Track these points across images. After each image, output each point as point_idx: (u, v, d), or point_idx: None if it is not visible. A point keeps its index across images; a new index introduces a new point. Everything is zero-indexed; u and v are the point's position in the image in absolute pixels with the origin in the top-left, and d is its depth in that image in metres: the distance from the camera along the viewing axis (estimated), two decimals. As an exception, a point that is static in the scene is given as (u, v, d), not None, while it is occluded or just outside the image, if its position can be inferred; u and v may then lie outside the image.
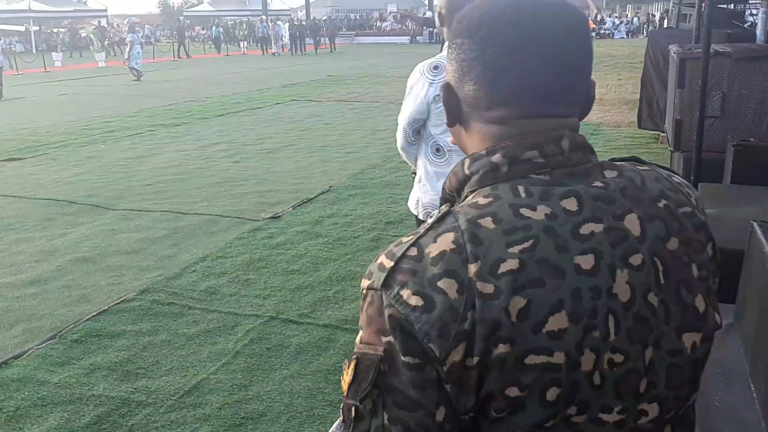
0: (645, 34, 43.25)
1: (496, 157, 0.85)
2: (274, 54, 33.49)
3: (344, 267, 4.74)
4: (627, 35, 43.54)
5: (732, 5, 9.20)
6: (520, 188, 0.82)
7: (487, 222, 0.79)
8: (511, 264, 0.77)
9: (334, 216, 5.93)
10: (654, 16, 45.33)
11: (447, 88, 0.91)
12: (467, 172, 0.88)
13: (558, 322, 0.76)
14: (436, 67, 2.80)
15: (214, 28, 39.93)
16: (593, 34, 26.21)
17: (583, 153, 0.87)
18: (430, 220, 0.85)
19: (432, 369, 0.77)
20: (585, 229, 0.80)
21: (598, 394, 0.80)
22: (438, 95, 2.77)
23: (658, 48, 8.73)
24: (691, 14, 8.97)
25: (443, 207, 0.86)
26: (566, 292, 0.77)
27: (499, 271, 0.76)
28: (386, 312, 0.79)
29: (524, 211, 0.80)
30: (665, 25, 23.23)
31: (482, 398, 0.78)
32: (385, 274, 0.80)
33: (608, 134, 9.57)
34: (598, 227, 0.81)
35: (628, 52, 26.87)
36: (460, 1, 2.93)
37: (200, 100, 15.14)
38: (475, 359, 0.76)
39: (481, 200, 0.83)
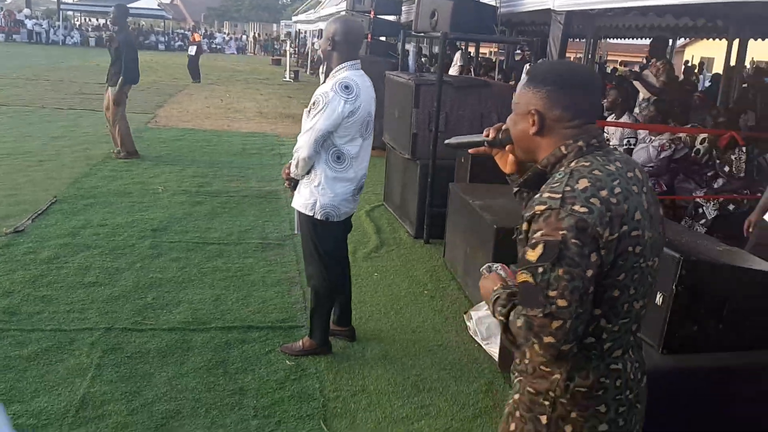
0: (253, 52, 46.05)
1: (580, 143, 1.65)
2: None
3: (144, 275, 4.72)
4: (237, 51, 45.69)
5: (386, 38, 11.01)
6: (598, 157, 1.63)
7: (596, 172, 1.58)
8: (617, 189, 1.56)
9: (88, 227, 5.66)
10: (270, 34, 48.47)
11: (538, 113, 1.67)
12: (564, 152, 1.65)
13: (638, 216, 1.58)
14: (347, 87, 3.32)
15: None
16: (204, 47, 26.99)
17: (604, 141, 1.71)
18: (560, 176, 1.60)
19: (590, 246, 1.50)
20: (629, 174, 1.63)
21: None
22: (351, 111, 3.30)
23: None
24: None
25: (562, 168, 1.63)
26: (635, 202, 1.58)
27: (614, 192, 1.55)
28: (563, 217, 1.50)
29: (608, 167, 1.60)
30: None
31: (616, 255, 1.54)
32: (559, 199, 1.52)
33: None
34: (632, 173, 1.64)
35: (252, 68, 28.58)
36: (356, 32, 3.51)
37: None
38: (615, 234, 1.53)
39: (582, 164, 1.61)
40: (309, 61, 27.04)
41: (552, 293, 1.50)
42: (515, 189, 1.91)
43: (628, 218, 1.55)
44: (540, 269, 1.51)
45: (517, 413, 1.75)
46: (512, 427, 1.77)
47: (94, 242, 5.31)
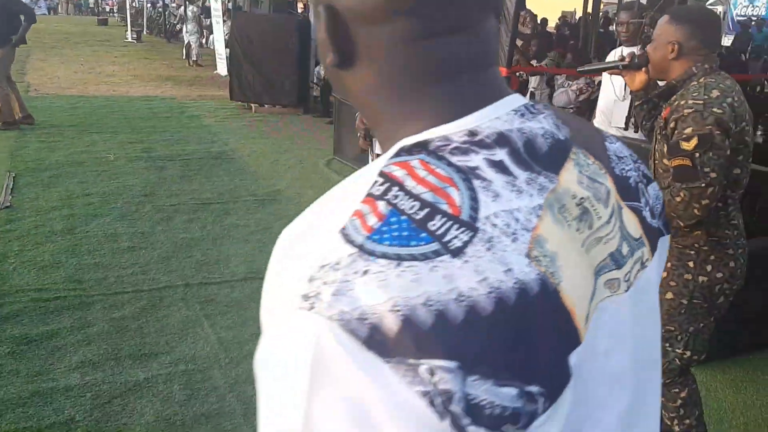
0: (66, 12, 42.45)
1: (706, 66, 2.21)
2: None
3: (173, 236, 4.83)
4: (48, 11, 41.90)
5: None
6: (717, 77, 2.23)
7: (721, 86, 2.21)
8: (736, 98, 2.19)
9: (75, 197, 5.56)
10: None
11: (678, 43, 2.27)
12: (695, 71, 2.27)
13: (747, 118, 2.22)
14: None
15: None
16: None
17: None
18: (696, 88, 2.24)
19: (725, 135, 2.13)
20: (736, 88, 2.28)
21: None
22: None
23: (244, 30, 10.00)
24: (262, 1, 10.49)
25: (693, 84, 2.22)
26: (745, 109, 2.34)
27: (735, 99, 2.17)
28: (707, 116, 2.11)
29: (726, 82, 2.34)
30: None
31: (737, 143, 2.19)
32: (702, 104, 2.14)
33: (207, 106, 10.46)
34: (737, 88, 2.28)
35: (82, 30, 26.62)
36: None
37: None
38: (737, 128, 2.17)
39: (709, 80, 2.23)
40: (145, 20, 25.74)
41: (707, 169, 2.14)
42: (638, 102, 2.59)
43: (743, 119, 2.21)
44: (697, 154, 2.13)
45: (669, 264, 2.38)
46: (664, 274, 2.42)
47: (97, 211, 5.25)
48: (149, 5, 27.22)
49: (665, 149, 2.24)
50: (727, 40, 17.35)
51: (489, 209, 0.52)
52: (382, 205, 0.52)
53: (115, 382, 3.05)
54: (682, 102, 2.20)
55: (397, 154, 0.56)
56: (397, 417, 0.46)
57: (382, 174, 0.54)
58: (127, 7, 24.58)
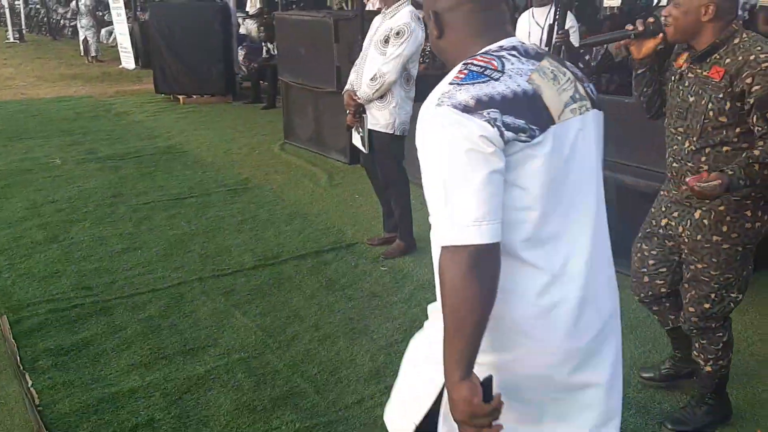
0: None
1: (740, 23, 2.40)
2: None
3: (163, 234, 4.75)
4: None
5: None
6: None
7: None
8: None
9: (41, 204, 5.33)
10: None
11: (716, 4, 2.34)
12: (735, 28, 2.35)
13: None
14: (418, 17, 3.89)
15: None
16: None
17: None
18: (751, 42, 2.34)
19: None
20: None
21: None
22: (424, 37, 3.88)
23: (163, 21, 9.70)
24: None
25: (736, 41, 2.35)
26: None
27: None
28: None
29: None
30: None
31: None
32: None
33: (130, 102, 10.09)
34: None
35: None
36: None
37: None
38: None
39: (750, 34, 2.32)
40: (23, 18, 24.10)
41: None
42: (641, 70, 2.58)
43: None
44: None
45: (728, 218, 2.57)
46: (724, 228, 2.61)
47: (70, 217, 5.07)
48: (21, 1, 25.50)
49: (728, 107, 2.30)
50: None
51: (510, 66, 1.36)
52: (463, 68, 1.36)
53: (177, 378, 3.04)
54: (751, 57, 2.25)
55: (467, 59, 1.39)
56: (482, 131, 1.27)
57: (463, 63, 1.38)
58: (6, 6, 22.94)
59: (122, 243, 4.58)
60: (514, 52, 1.39)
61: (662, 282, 2.70)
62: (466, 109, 1.27)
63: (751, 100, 2.26)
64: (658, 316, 2.84)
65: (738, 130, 2.35)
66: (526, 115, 1.29)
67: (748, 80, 2.25)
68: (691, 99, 2.42)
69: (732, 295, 2.53)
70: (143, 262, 4.28)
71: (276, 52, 9.76)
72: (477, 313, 1.27)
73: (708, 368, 2.63)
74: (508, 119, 1.28)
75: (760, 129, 2.27)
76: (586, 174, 1.45)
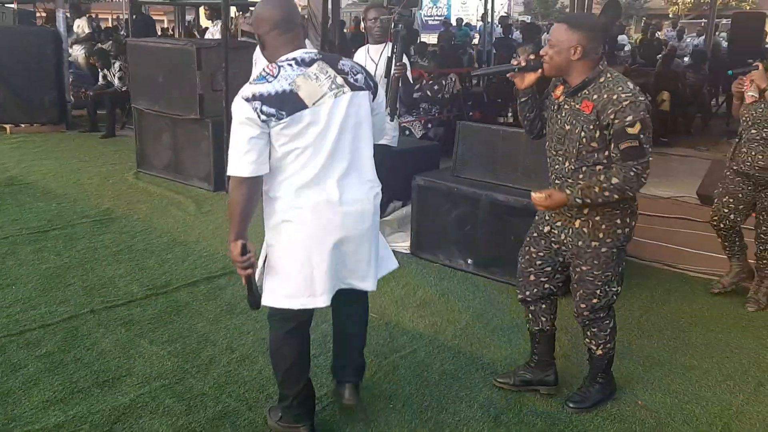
0: None
1: (606, 62, 2.86)
2: None
3: (37, 267, 4.49)
4: None
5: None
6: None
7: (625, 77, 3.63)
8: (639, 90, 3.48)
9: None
10: None
11: (582, 46, 2.82)
12: (602, 69, 2.86)
13: None
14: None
15: None
16: None
17: None
18: (614, 82, 2.81)
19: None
20: None
21: None
22: None
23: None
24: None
25: (602, 80, 2.96)
26: None
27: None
28: (640, 103, 2.66)
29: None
30: None
31: None
32: (633, 94, 2.71)
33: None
34: None
35: None
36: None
37: None
38: None
39: (614, 73, 2.75)
40: None
41: (648, 147, 2.79)
42: (524, 98, 3.03)
43: None
44: (642, 136, 2.67)
45: (603, 226, 2.94)
46: (600, 234, 3.02)
47: None
48: None
49: (597, 135, 2.74)
50: (428, 38, 19.72)
51: (284, 72, 2.41)
52: (257, 73, 2.45)
53: (102, 409, 2.97)
54: (614, 96, 2.68)
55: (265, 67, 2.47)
56: (249, 114, 2.35)
57: (262, 68, 2.45)
58: None
59: (3, 277, 4.27)
60: (292, 62, 2.42)
61: (546, 279, 3.11)
62: (245, 99, 2.35)
63: (612, 132, 2.72)
64: (533, 316, 3.20)
65: (606, 153, 2.78)
66: (278, 105, 2.34)
67: (612, 115, 2.69)
68: (567, 127, 2.85)
69: (613, 289, 3.00)
70: (22, 299, 4.04)
71: (115, 79, 9.50)
72: (239, 209, 2.43)
73: (599, 351, 3.08)
74: (265, 108, 2.33)
75: (615, 155, 2.75)
76: (345, 130, 2.48)
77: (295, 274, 2.55)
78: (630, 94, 2.69)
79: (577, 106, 2.81)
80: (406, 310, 4.09)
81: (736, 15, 14.26)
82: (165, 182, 6.90)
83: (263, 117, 2.32)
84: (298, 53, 2.44)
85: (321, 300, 2.57)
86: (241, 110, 2.33)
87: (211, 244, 5.12)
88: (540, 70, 2.90)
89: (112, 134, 9.24)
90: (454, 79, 8.27)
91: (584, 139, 2.78)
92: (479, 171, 4.75)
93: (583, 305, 3.01)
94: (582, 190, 2.77)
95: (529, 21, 24.17)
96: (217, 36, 8.78)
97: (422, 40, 15.74)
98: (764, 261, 4.25)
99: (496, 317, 4.02)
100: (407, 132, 8.01)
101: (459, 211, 4.70)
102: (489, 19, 15.69)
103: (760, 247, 4.24)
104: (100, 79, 9.72)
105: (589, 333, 3.09)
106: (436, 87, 8.36)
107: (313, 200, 2.46)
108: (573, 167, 2.85)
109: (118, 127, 9.50)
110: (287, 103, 2.35)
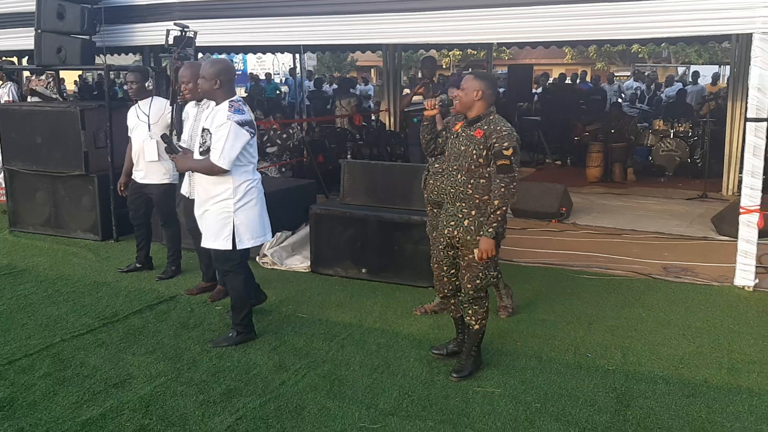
0: None
1: (494, 106, 4.00)
2: None
3: None
4: None
5: None
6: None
7: (504, 119, 4.39)
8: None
9: None
10: None
11: (483, 91, 4.13)
12: (491, 110, 3.97)
13: None
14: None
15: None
16: None
17: None
18: (497, 121, 4.01)
19: None
20: None
21: None
22: None
23: None
24: None
25: (491, 117, 4.23)
26: None
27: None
28: (514, 136, 3.86)
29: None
30: None
31: None
32: (510, 129, 3.86)
33: None
34: None
35: None
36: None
37: None
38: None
39: (497, 115, 3.96)
40: None
41: (515, 165, 3.81)
42: (426, 123, 4.19)
43: None
44: (513, 157, 3.75)
45: (477, 222, 4.40)
46: (482, 230, 4.38)
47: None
48: None
49: (484, 153, 3.88)
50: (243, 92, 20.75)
51: (244, 107, 4.29)
52: (231, 106, 4.22)
53: (131, 400, 3.64)
54: (498, 128, 3.77)
55: (231, 101, 4.28)
56: (246, 136, 4.24)
57: (229, 102, 4.26)
58: None
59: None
60: (241, 101, 4.24)
61: (454, 278, 4.16)
62: (239, 124, 4.12)
63: (492, 152, 3.91)
64: (454, 307, 4.19)
65: (489, 169, 3.96)
66: (251, 126, 4.20)
67: (494, 140, 3.88)
68: (463, 148, 3.99)
69: (492, 273, 4.16)
70: (-11, 339, 4.43)
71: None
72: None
73: (476, 326, 3.99)
74: (246, 128, 4.16)
75: (493, 170, 3.91)
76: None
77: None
78: (508, 129, 3.84)
79: (472, 133, 3.87)
80: (328, 310, 5.10)
81: (511, 66, 17.04)
82: (46, 237, 7.19)
83: (248, 134, 4.19)
84: (237, 96, 4.28)
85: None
86: (240, 132, 4.11)
87: (133, 281, 5.72)
88: (452, 108, 4.09)
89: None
90: (299, 127, 9.42)
91: (475, 157, 3.82)
92: (363, 198, 5.92)
93: (469, 285, 3.94)
94: (490, 225, 3.82)
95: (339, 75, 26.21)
96: (5, 98, 9.23)
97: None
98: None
99: (401, 306, 5.17)
100: (265, 174, 8.98)
101: (351, 231, 5.82)
102: (297, 74, 17.02)
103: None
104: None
105: (470, 311, 3.98)
106: (284, 136, 9.45)
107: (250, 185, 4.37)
108: (464, 179, 4.05)
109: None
110: (251, 125, 4.21)
